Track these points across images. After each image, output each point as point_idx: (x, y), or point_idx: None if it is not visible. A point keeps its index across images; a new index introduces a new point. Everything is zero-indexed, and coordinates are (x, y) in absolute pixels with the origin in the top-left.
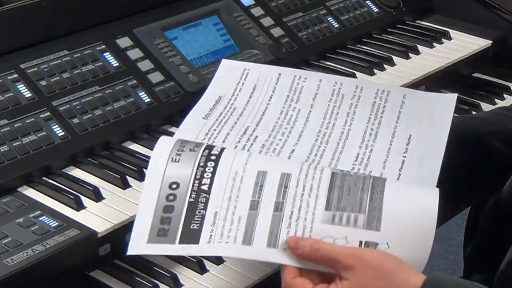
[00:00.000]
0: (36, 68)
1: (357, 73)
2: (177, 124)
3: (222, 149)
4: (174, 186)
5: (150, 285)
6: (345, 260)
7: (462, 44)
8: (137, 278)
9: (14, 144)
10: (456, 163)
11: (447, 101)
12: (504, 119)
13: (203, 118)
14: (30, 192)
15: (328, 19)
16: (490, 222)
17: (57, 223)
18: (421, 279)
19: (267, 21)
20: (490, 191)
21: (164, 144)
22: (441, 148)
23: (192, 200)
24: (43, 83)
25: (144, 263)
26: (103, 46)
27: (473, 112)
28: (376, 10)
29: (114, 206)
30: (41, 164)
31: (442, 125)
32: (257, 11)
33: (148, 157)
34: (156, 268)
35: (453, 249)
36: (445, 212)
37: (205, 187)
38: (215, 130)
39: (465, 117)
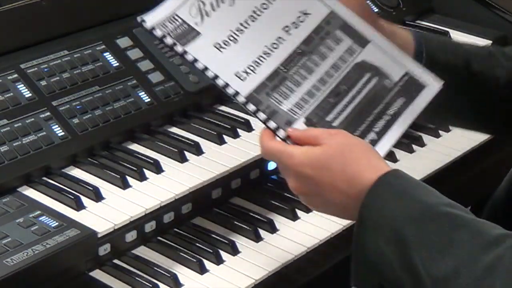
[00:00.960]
0: (36, 68)
1: None
2: (177, 124)
3: None
4: None
5: (150, 285)
6: (327, 132)
7: None
8: (137, 278)
9: (14, 144)
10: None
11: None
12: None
13: None
14: (30, 192)
15: None
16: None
17: (57, 223)
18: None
19: None
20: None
21: None
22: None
23: None
24: (43, 83)
25: (144, 263)
26: (103, 46)
27: None
28: (376, 10)
29: (114, 206)
30: (41, 164)
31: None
32: None
33: (148, 157)
34: (156, 268)
35: None
36: None
37: None
38: None
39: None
